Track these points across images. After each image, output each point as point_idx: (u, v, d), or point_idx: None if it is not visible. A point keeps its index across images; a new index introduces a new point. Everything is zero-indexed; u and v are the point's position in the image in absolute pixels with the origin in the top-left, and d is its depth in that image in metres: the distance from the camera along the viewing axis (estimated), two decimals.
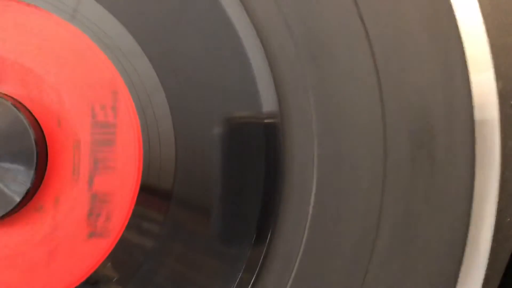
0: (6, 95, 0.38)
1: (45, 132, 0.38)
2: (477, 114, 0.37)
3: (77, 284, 0.38)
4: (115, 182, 0.38)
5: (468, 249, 0.37)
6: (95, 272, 0.38)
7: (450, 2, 0.37)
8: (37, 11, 0.39)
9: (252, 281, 0.38)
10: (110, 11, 0.38)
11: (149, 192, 0.38)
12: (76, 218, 0.38)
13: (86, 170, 0.38)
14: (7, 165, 0.37)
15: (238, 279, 0.38)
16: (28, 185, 0.37)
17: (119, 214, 0.38)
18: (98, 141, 0.38)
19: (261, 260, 0.38)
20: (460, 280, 0.38)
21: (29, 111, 0.38)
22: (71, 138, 0.38)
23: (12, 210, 0.37)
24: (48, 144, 0.38)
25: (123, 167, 0.38)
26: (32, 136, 0.37)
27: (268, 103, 0.38)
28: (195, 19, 0.38)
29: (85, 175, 0.38)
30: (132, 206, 0.38)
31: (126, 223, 0.38)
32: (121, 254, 0.38)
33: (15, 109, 0.37)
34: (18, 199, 0.37)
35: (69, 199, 0.38)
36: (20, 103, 0.38)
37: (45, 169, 0.38)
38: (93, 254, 0.38)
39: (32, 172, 0.37)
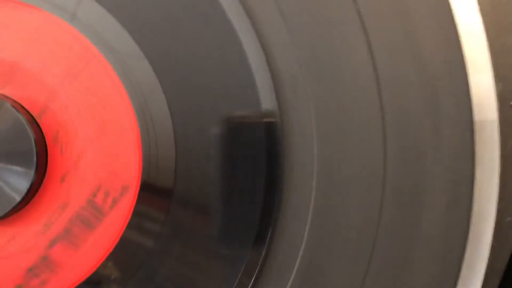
0: (5, 96, 0.38)
1: (44, 133, 0.38)
2: (477, 115, 0.37)
3: (77, 283, 0.38)
4: (70, 259, 0.38)
5: (468, 249, 0.37)
6: (96, 271, 0.38)
7: (450, 2, 0.37)
8: (37, 11, 0.39)
9: (252, 282, 0.38)
10: (110, 12, 0.39)
11: (149, 192, 0.38)
12: (17, 264, 0.38)
13: (54, 231, 0.38)
14: (7, 165, 0.37)
15: (237, 279, 0.38)
16: (28, 185, 0.37)
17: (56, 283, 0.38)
18: (81, 217, 0.37)
19: (261, 260, 0.38)
20: (460, 280, 0.38)
21: (30, 114, 0.38)
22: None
23: (11, 210, 0.37)
24: (47, 146, 0.38)
25: (84, 253, 0.38)
26: (32, 137, 0.37)
27: (267, 102, 0.38)
28: (195, 20, 0.38)
29: (51, 234, 0.38)
30: (132, 207, 0.38)
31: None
32: (121, 254, 0.38)
33: (14, 110, 0.37)
34: (18, 199, 0.37)
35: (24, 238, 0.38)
36: (20, 105, 0.38)
37: (45, 170, 0.38)
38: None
39: (32, 172, 0.37)
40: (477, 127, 0.37)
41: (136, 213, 0.38)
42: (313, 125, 0.37)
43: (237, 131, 0.38)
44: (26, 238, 0.38)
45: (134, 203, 0.38)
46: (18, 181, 0.37)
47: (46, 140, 0.38)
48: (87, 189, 0.37)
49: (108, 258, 0.38)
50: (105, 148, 0.38)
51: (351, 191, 0.37)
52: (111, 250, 0.38)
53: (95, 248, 0.37)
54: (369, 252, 0.37)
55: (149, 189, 0.38)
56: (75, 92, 0.38)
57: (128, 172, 0.37)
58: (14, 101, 0.38)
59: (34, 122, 0.38)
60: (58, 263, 0.38)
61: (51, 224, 0.38)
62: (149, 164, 0.38)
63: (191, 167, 0.38)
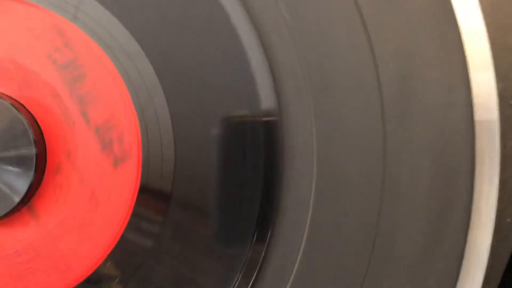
0: (5, 95, 0.38)
1: (44, 132, 0.38)
2: (477, 114, 0.37)
3: (77, 283, 0.38)
4: (108, 107, 0.38)
5: (468, 249, 0.37)
6: (96, 271, 0.38)
7: (451, 2, 0.37)
8: (39, 10, 0.39)
9: (251, 282, 0.38)
10: (111, 11, 0.39)
11: (148, 192, 0.38)
12: (93, 157, 0.38)
13: (76, 111, 0.38)
14: (6, 165, 0.37)
15: (237, 279, 0.38)
16: (27, 185, 0.37)
17: (128, 134, 0.38)
18: (71, 81, 0.38)
19: (260, 261, 0.38)
20: (460, 280, 0.38)
21: (29, 112, 0.38)
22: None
23: (11, 210, 0.37)
24: (47, 144, 0.38)
25: (107, 91, 0.38)
26: (32, 137, 0.37)
27: (267, 102, 0.38)
28: (196, 19, 0.38)
29: (78, 115, 0.38)
30: (132, 207, 0.38)
31: (140, 142, 0.38)
32: (121, 254, 0.38)
33: (14, 109, 0.37)
34: (17, 199, 0.37)
35: (80, 148, 0.38)
36: (19, 103, 0.38)
37: (44, 170, 0.38)
38: (126, 181, 0.38)
39: (31, 173, 0.37)
40: (477, 126, 0.37)
41: (136, 213, 0.38)
42: (313, 125, 0.37)
43: (237, 130, 0.38)
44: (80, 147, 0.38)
45: (133, 204, 0.38)
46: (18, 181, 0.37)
47: (45, 139, 0.38)
48: (47, 65, 0.38)
49: (108, 258, 0.38)
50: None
51: (350, 190, 0.37)
52: (110, 250, 0.38)
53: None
54: (369, 251, 0.37)
55: (148, 189, 0.38)
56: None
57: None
58: (14, 99, 0.38)
59: (34, 121, 0.38)
60: (106, 119, 0.38)
61: (67, 113, 0.38)
62: (148, 163, 0.38)
63: (191, 166, 0.38)
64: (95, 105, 0.38)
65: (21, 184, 0.37)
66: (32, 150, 0.37)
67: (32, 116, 0.38)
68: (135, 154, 0.37)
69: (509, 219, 0.39)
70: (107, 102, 0.38)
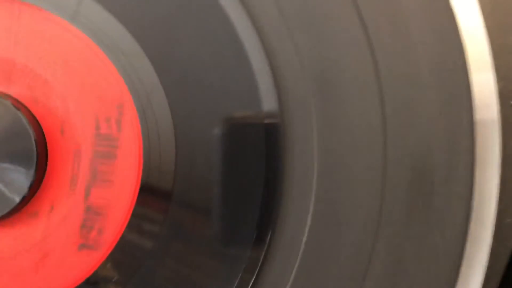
0: (7, 95, 0.38)
1: (46, 135, 0.38)
2: (477, 114, 0.37)
3: (77, 284, 0.38)
4: (112, 196, 0.37)
5: (468, 249, 0.37)
6: (96, 271, 0.38)
7: (450, 2, 0.37)
8: (37, 11, 0.39)
9: (252, 282, 0.38)
10: (111, 11, 0.38)
11: (149, 192, 0.38)
12: (69, 228, 0.38)
13: (84, 181, 0.37)
14: (6, 165, 0.37)
15: (238, 279, 0.38)
16: (27, 185, 0.37)
17: (112, 228, 0.37)
18: (99, 153, 0.37)
19: (261, 260, 0.38)
20: (460, 280, 0.38)
21: (31, 113, 0.38)
22: (73, 145, 0.38)
23: (11, 211, 0.37)
24: (48, 147, 0.38)
25: (121, 182, 0.37)
26: (32, 137, 0.37)
27: (268, 103, 0.38)
28: (196, 19, 0.38)
29: (82, 186, 0.37)
30: (132, 207, 0.38)
31: (118, 237, 0.37)
32: (121, 254, 0.38)
33: (14, 109, 0.37)
34: (17, 200, 0.37)
35: (64, 208, 0.38)
36: (21, 104, 0.38)
37: (45, 171, 0.38)
38: (82, 265, 0.38)
39: (31, 173, 0.37)
40: (477, 126, 0.37)
41: (136, 214, 0.38)
42: (314, 126, 0.37)
43: (238, 131, 0.38)
44: (63, 204, 0.38)
45: (134, 204, 0.38)
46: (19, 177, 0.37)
47: (46, 138, 0.38)
48: (89, 125, 0.37)
49: (108, 259, 0.38)
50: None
51: (351, 191, 0.37)
52: (110, 250, 0.38)
53: (128, 175, 0.37)
54: (369, 251, 0.37)
55: (149, 189, 0.38)
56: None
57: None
58: (15, 99, 0.38)
59: (34, 121, 0.38)
60: (102, 205, 0.37)
61: (76, 177, 0.37)
62: (149, 164, 0.38)
63: (192, 167, 0.38)
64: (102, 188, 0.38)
65: (22, 184, 0.37)
66: (33, 150, 0.37)
67: (35, 117, 0.38)
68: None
69: (509, 219, 0.39)
70: (115, 190, 0.38)
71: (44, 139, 0.38)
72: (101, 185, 0.37)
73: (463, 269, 0.37)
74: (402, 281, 0.37)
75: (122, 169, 0.37)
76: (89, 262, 0.38)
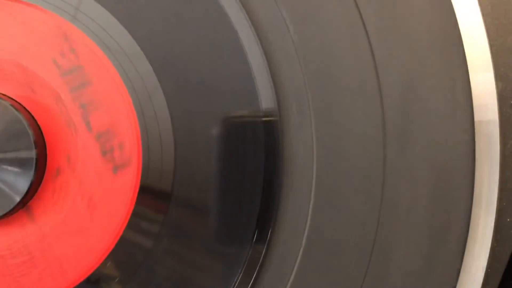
0: (5, 95, 0.38)
1: (44, 132, 0.38)
2: (477, 114, 0.37)
3: (74, 285, 0.38)
4: (109, 115, 0.38)
5: (468, 249, 0.37)
6: (96, 270, 0.38)
7: (450, 2, 0.37)
8: (38, 11, 0.39)
9: (251, 282, 0.38)
10: (110, 11, 0.39)
11: (148, 192, 0.38)
12: (93, 163, 0.38)
13: (79, 119, 0.38)
14: (6, 165, 0.37)
15: (237, 279, 0.38)
16: (27, 185, 0.37)
17: (128, 140, 0.38)
18: (75, 88, 0.38)
19: (260, 260, 0.38)
20: (460, 280, 0.38)
21: (29, 112, 0.38)
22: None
23: (11, 210, 0.37)
24: (47, 145, 0.38)
25: (109, 98, 0.38)
26: (32, 137, 0.37)
27: (267, 101, 0.38)
28: (195, 19, 0.38)
29: (80, 124, 0.38)
30: (132, 206, 0.38)
31: (140, 148, 0.38)
32: (121, 254, 0.38)
33: (13, 109, 0.37)
34: (18, 199, 0.37)
35: (79, 151, 0.38)
36: (19, 103, 0.38)
37: (44, 172, 0.38)
38: (127, 186, 0.38)
39: (31, 173, 0.37)
40: (477, 126, 0.37)
41: (136, 213, 0.38)
42: (313, 124, 0.37)
43: (237, 130, 0.38)
44: (78, 150, 0.38)
45: (134, 203, 0.38)
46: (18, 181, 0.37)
47: (45, 139, 0.38)
48: (51, 70, 0.38)
49: (108, 258, 0.38)
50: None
51: (350, 190, 0.37)
52: (110, 250, 0.38)
53: (114, 99, 0.38)
54: (369, 252, 0.37)
55: (148, 189, 0.38)
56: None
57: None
58: (14, 100, 0.38)
59: (33, 121, 0.38)
60: (107, 125, 0.38)
61: (70, 120, 0.38)
62: (148, 163, 0.38)
63: (191, 166, 0.38)
64: (97, 112, 0.38)
65: (22, 184, 0.37)
66: (33, 151, 0.37)
67: (33, 118, 0.38)
68: (135, 159, 0.37)
69: (509, 219, 0.39)
70: (109, 109, 0.38)
71: (42, 136, 0.38)
72: (94, 112, 0.38)
73: (463, 269, 0.37)
74: (402, 282, 0.37)
75: (104, 90, 0.38)
76: (131, 179, 0.38)
